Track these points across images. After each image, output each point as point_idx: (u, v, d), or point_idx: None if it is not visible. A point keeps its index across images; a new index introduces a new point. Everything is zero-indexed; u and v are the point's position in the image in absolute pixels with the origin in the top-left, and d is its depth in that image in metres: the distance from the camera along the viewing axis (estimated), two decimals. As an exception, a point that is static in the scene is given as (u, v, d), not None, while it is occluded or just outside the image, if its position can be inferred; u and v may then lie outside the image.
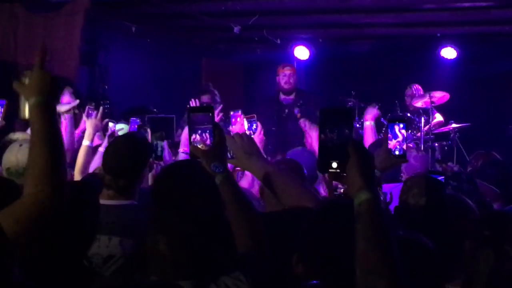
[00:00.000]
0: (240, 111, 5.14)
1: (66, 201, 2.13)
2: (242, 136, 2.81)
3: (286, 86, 8.12)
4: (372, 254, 1.84)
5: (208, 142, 2.38)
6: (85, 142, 4.83)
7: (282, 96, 8.24)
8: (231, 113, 5.16)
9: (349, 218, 1.93)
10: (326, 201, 3.02)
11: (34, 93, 2.17)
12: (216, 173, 2.41)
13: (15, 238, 1.92)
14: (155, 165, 4.23)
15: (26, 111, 2.06)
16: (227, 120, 5.33)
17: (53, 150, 2.10)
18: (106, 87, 9.17)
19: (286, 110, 8.08)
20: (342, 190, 2.93)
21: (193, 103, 6.46)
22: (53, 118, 2.16)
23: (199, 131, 2.40)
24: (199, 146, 2.40)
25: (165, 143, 4.66)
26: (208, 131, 2.40)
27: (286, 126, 7.99)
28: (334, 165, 2.02)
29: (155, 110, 9.26)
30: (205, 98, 8.09)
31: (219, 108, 5.87)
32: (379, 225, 1.88)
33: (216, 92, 8.27)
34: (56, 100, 2.23)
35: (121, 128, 6.03)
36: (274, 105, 8.13)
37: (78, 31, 7.81)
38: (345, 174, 2.00)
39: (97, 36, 9.13)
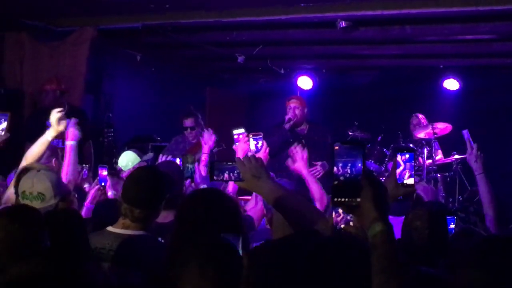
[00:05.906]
0: (243, 129, 5.15)
1: None
2: (250, 158, 2.78)
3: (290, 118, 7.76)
4: (388, 286, 1.84)
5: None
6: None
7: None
8: (234, 131, 5.16)
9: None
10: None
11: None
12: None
13: None
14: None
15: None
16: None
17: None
18: (111, 115, 9.19)
19: (303, 141, 7.85)
20: (342, 226, 2.89)
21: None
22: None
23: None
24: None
25: (196, 166, 4.78)
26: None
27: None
28: (348, 198, 2.01)
29: (158, 138, 9.31)
30: (189, 122, 7.85)
31: (213, 138, 5.94)
32: (393, 256, 1.90)
33: (199, 115, 8.00)
34: None
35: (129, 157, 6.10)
36: (288, 133, 7.76)
37: (84, 60, 7.86)
38: (357, 206, 2.00)
39: (102, 65, 9.16)
